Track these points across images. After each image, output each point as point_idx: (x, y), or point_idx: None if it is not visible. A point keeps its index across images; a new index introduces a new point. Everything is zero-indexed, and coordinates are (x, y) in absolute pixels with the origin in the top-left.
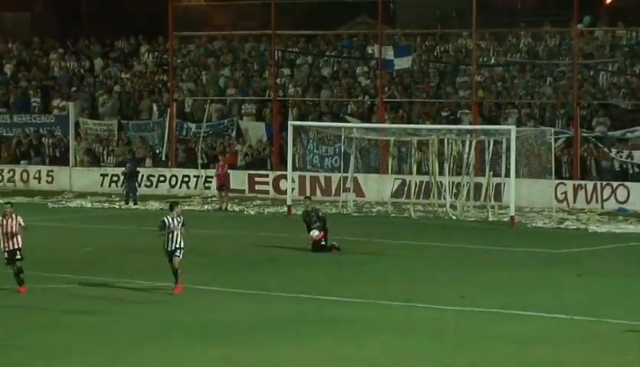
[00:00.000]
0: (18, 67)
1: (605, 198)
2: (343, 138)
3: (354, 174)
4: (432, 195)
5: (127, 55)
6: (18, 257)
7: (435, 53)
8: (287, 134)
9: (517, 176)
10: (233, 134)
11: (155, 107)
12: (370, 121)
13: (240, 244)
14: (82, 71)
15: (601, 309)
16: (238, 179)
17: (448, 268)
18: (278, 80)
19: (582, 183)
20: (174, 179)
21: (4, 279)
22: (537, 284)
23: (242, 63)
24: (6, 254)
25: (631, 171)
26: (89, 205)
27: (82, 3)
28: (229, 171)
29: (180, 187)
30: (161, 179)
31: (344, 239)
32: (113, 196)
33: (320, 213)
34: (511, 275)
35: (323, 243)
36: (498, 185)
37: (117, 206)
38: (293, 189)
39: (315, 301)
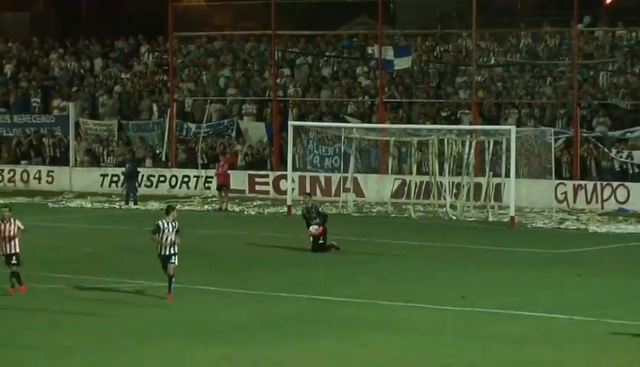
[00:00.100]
0: (18, 67)
1: (605, 198)
2: (343, 138)
3: (354, 174)
4: (432, 195)
5: (127, 55)
6: (14, 262)
7: (435, 54)
8: (287, 135)
9: (517, 176)
10: (233, 134)
11: (155, 107)
12: (370, 122)
13: (239, 244)
14: (82, 71)
15: (601, 309)
16: (238, 179)
17: (449, 268)
18: (278, 80)
19: (582, 183)
20: (174, 179)
21: (4, 279)
22: (538, 284)
23: (242, 63)
24: (4, 257)
25: (631, 171)
26: (90, 205)
27: (82, 3)
28: (229, 171)
29: (180, 187)
30: (161, 179)
31: (344, 239)
32: (113, 196)
33: (320, 209)
34: (511, 275)
35: (321, 241)
36: (498, 185)
37: (117, 206)
38: (293, 189)
39: (315, 301)
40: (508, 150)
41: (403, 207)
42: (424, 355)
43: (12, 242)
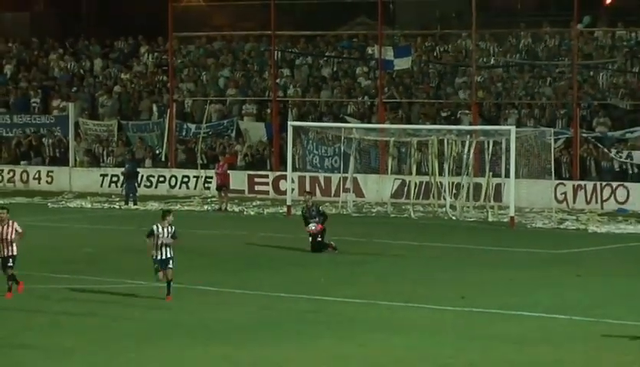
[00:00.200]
0: (18, 67)
1: (604, 198)
2: (343, 138)
3: (354, 175)
4: (431, 195)
5: (127, 55)
6: (10, 264)
7: (435, 54)
8: (287, 135)
9: (517, 176)
10: (233, 134)
11: (154, 107)
12: (370, 122)
13: (239, 244)
14: (82, 71)
15: (601, 309)
16: (238, 179)
17: (448, 268)
18: (278, 81)
19: (582, 183)
20: (173, 179)
21: (2, 279)
22: (537, 284)
23: (242, 64)
24: (0, 260)
25: (630, 172)
26: (89, 205)
27: (82, 3)
28: (228, 171)
29: (179, 188)
30: (161, 179)
31: (344, 239)
32: (113, 196)
33: (320, 208)
34: (510, 275)
35: (319, 239)
36: (498, 185)
37: (117, 207)
38: (293, 189)
39: (315, 301)
40: (508, 150)
41: (403, 207)
42: (424, 355)
43: (9, 246)
